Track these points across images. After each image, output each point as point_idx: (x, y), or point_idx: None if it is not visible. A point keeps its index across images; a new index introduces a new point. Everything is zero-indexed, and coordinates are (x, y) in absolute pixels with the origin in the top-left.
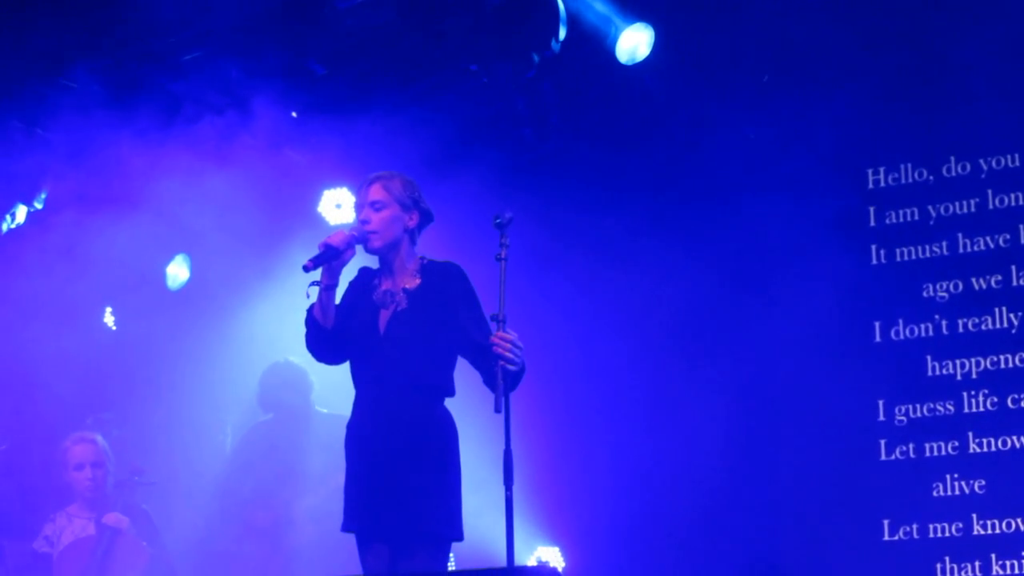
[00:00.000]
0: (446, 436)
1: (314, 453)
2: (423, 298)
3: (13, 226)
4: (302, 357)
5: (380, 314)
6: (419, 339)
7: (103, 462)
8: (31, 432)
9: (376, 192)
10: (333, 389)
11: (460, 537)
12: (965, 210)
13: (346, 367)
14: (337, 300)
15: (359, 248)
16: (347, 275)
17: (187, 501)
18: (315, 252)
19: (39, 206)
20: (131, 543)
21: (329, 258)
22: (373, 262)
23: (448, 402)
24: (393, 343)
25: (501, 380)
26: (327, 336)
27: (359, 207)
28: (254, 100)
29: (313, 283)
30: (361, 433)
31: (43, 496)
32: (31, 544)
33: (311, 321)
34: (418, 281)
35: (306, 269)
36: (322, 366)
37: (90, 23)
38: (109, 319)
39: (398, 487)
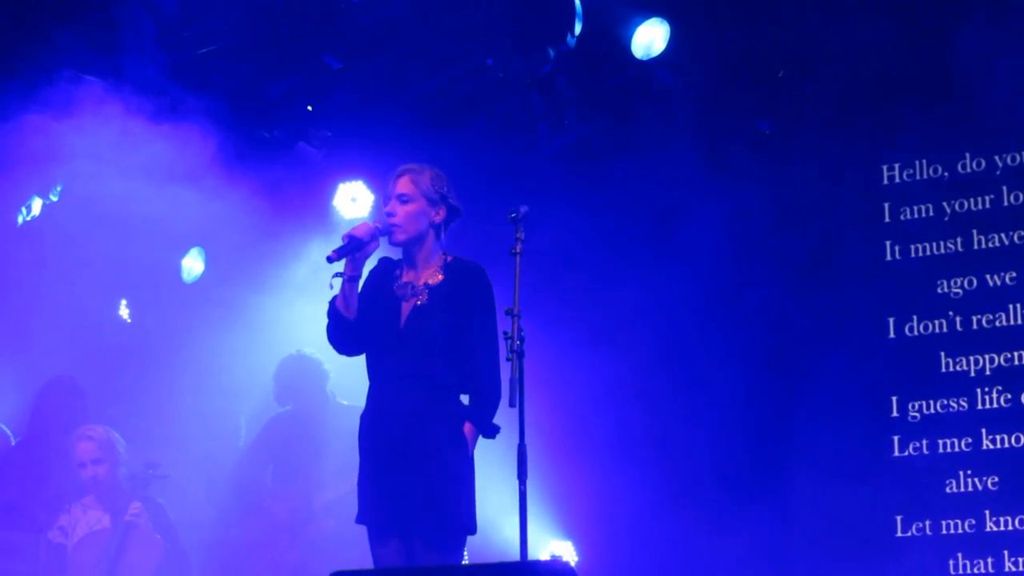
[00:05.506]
0: (460, 431)
1: (334, 446)
2: (444, 296)
3: (29, 219)
4: (315, 347)
5: (401, 307)
6: (437, 336)
7: (102, 458)
8: (47, 424)
9: (404, 185)
10: (353, 381)
11: (473, 530)
12: (980, 206)
13: (363, 359)
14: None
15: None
16: (368, 264)
17: (201, 494)
18: (338, 243)
19: (55, 199)
20: (145, 536)
21: (353, 249)
22: (394, 252)
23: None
24: (412, 338)
25: (517, 375)
26: (349, 327)
27: (386, 198)
28: (269, 94)
29: (336, 274)
30: (376, 426)
31: (58, 489)
32: (46, 534)
33: (333, 312)
34: (440, 278)
35: (330, 260)
36: (338, 356)
37: (107, 17)
38: (124, 312)
39: (412, 481)
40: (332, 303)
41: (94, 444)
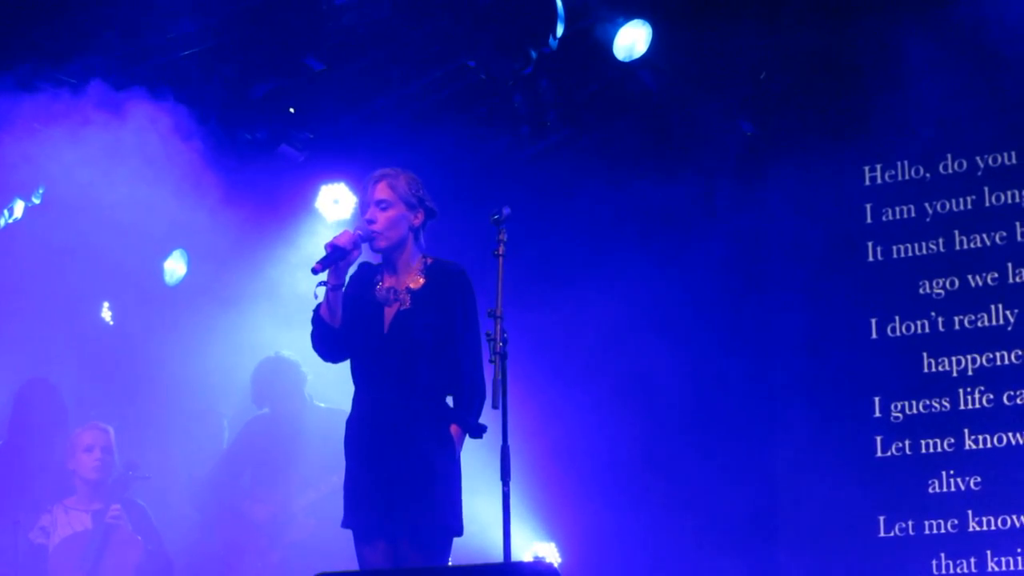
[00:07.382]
0: (447, 433)
1: (312, 448)
2: (427, 299)
3: (11, 221)
4: (294, 350)
5: (384, 312)
6: (421, 340)
7: (112, 450)
8: (25, 427)
9: (382, 191)
10: (331, 384)
11: (460, 532)
12: (962, 207)
13: (345, 363)
14: None
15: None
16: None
17: (182, 495)
18: (321, 249)
19: (37, 201)
20: (126, 538)
21: (336, 259)
22: (373, 256)
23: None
24: (397, 342)
25: (500, 376)
26: (334, 335)
27: (364, 205)
28: (251, 96)
29: (320, 283)
30: (363, 430)
31: (37, 491)
32: (26, 535)
33: (318, 321)
34: (422, 281)
35: (315, 271)
36: (317, 358)
37: (89, 19)
38: (106, 314)
39: (399, 483)
40: (316, 311)
41: (107, 435)
